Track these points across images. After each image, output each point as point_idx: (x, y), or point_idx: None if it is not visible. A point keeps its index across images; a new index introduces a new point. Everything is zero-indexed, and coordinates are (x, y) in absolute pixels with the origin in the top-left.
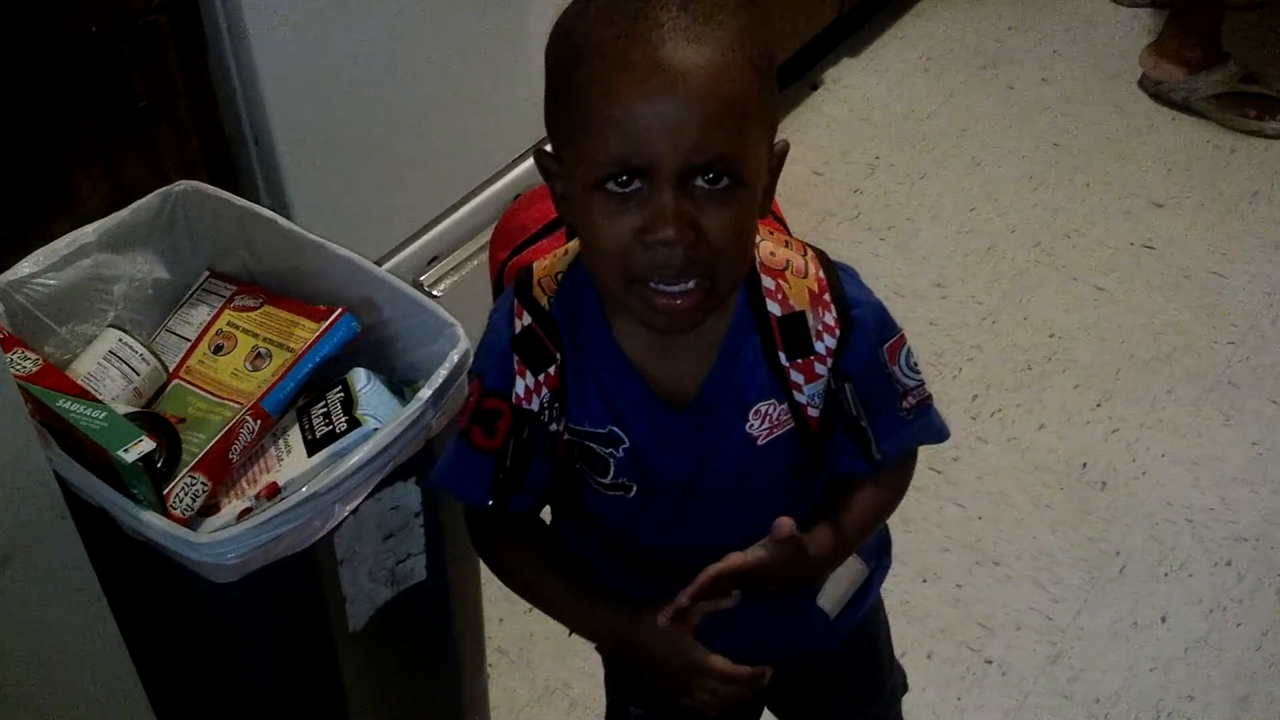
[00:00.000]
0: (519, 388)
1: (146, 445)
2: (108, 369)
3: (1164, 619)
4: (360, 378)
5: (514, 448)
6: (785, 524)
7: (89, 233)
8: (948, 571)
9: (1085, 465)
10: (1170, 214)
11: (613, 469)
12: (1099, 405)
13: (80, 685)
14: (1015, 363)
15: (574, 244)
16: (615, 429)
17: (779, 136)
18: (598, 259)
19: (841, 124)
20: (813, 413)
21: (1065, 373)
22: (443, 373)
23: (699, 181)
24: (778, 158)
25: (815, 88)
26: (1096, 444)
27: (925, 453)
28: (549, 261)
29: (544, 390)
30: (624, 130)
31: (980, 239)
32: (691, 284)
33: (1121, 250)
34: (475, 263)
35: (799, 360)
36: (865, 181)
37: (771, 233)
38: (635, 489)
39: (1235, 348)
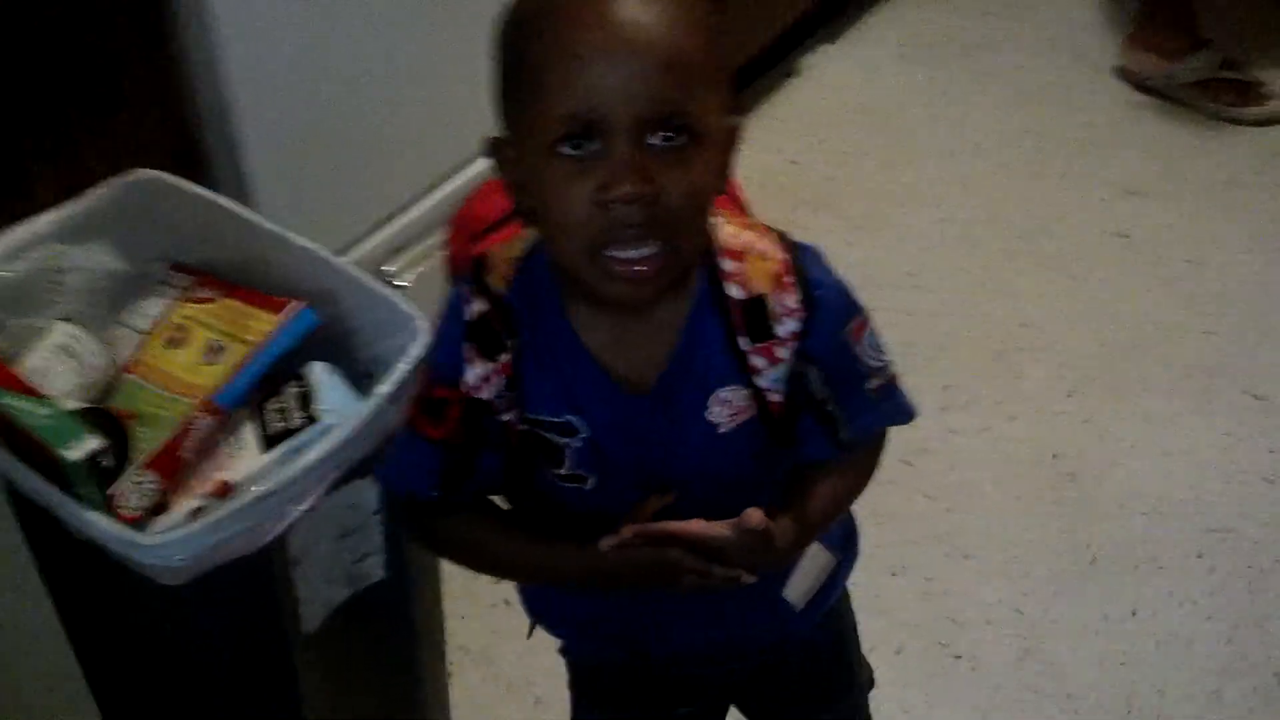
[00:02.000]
0: (469, 376)
1: (92, 443)
2: (56, 363)
3: (1134, 612)
4: (318, 372)
5: (464, 438)
6: (755, 516)
7: (42, 223)
8: (917, 564)
9: (1056, 456)
10: (1146, 202)
11: (569, 459)
12: (1070, 395)
13: (23, 685)
14: (987, 352)
15: (530, 231)
16: (572, 418)
17: (749, 119)
18: (558, 230)
19: (818, 112)
20: (775, 397)
21: (1038, 362)
22: (403, 367)
23: (655, 139)
24: (731, 133)
25: (791, 75)
26: (1068, 434)
27: (895, 444)
28: (504, 247)
29: (497, 378)
30: (577, 85)
31: (955, 228)
32: (652, 248)
33: (1097, 239)
34: (443, 251)
35: (759, 345)
36: (840, 170)
37: (732, 215)
38: (592, 480)
39: (1209, 337)
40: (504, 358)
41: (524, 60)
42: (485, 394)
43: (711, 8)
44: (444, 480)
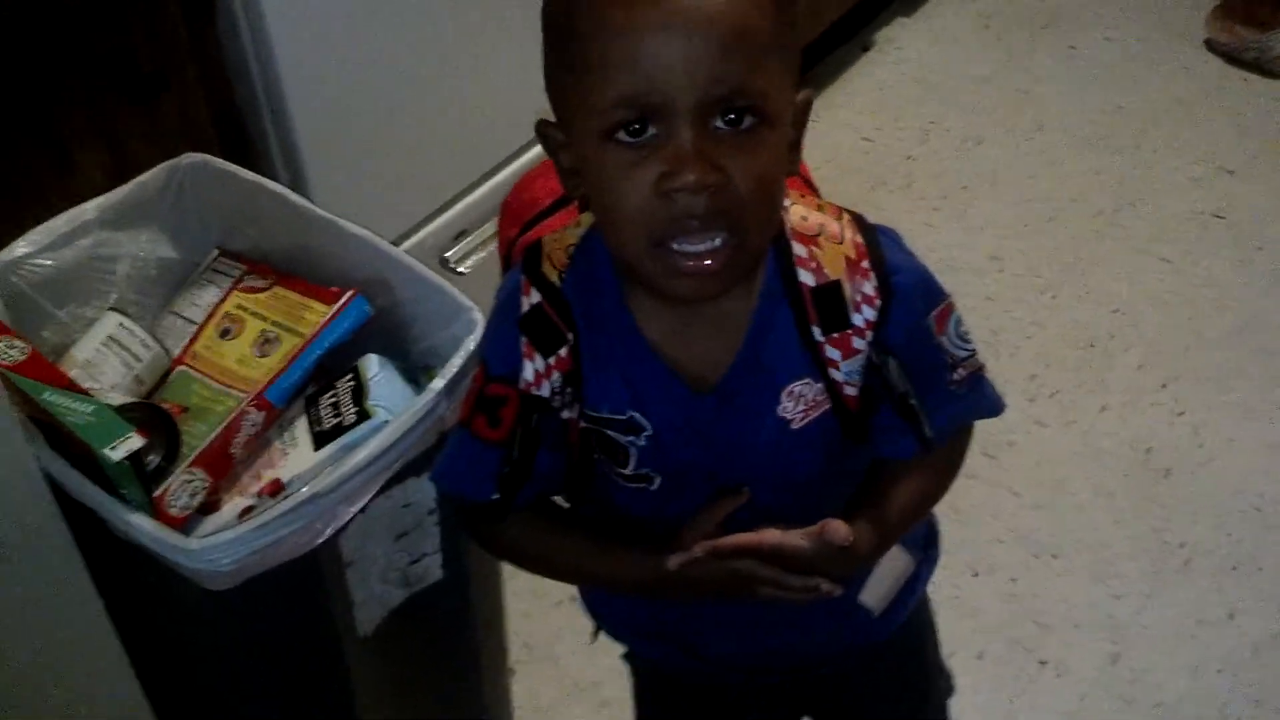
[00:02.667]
0: (527, 372)
1: (135, 442)
2: (107, 355)
3: (1232, 616)
4: (372, 365)
5: (521, 438)
6: (841, 530)
7: (89, 210)
8: (1001, 564)
9: (1149, 451)
10: (1242, 181)
11: (634, 459)
12: (1164, 386)
13: (79, 691)
14: (1076, 340)
15: (587, 215)
16: (636, 415)
17: (821, 96)
18: (615, 223)
19: (894, 87)
20: (850, 391)
21: (1129, 351)
22: (458, 360)
23: (719, 122)
24: (801, 107)
25: (867, 49)
26: (1161, 428)
27: (979, 437)
28: (559, 234)
29: (555, 374)
30: (633, 65)
31: (1040, 208)
32: (718, 241)
33: (1190, 220)
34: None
35: (835, 335)
36: (919, 148)
37: (802, 196)
38: (659, 480)
39: None
40: (562, 352)
41: (572, 35)
42: (543, 390)
43: None
44: (502, 483)
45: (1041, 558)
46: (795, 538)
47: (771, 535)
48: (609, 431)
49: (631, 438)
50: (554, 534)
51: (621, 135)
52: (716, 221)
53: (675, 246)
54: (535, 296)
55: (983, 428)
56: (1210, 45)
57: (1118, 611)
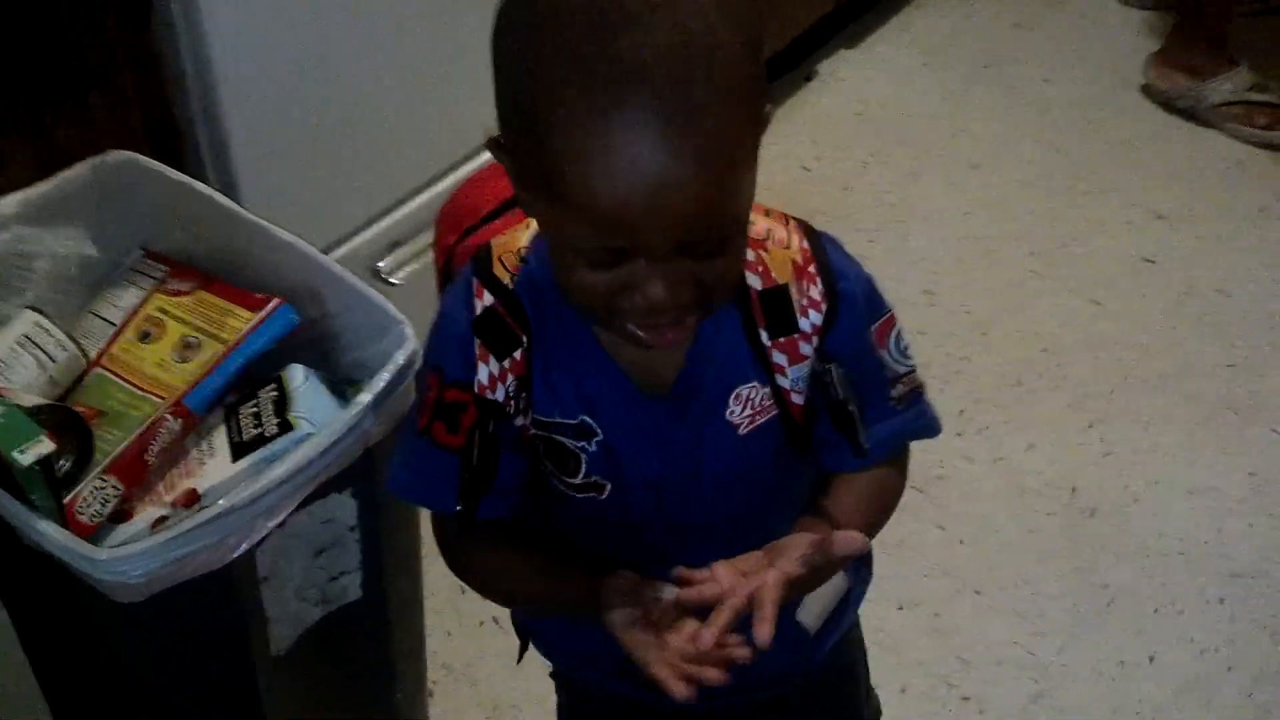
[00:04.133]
0: (482, 375)
1: (45, 446)
2: (20, 355)
3: (1152, 658)
4: (297, 375)
5: (480, 443)
6: (856, 540)
7: (9, 204)
8: (926, 599)
9: (1075, 490)
10: (1173, 227)
11: (584, 466)
12: (1091, 426)
13: None
14: (1005, 377)
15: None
16: (587, 419)
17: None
18: (569, 294)
19: (835, 118)
20: (796, 399)
21: (1057, 390)
22: (386, 375)
23: (692, 247)
24: (764, 127)
25: (809, 79)
26: (1088, 467)
27: (908, 470)
28: (509, 236)
29: (509, 378)
30: (605, 218)
31: (975, 245)
32: (685, 319)
33: (1122, 263)
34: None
35: (781, 339)
36: (857, 179)
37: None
38: (609, 488)
39: (1236, 371)
40: (516, 355)
41: (539, 148)
42: (497, 395)
43: (749, 20)
44: (464, 490)
45: (965, 593)
46: (790, 565)
47: (776, 576)
48: (559, 437)
49: (583, 443)
50: (513, 555)
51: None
52: (682, 313)
53: (634, 326)
54: (488, 299)
55: (913, 460)
56: (1147, 91)
57: (1040, 650)
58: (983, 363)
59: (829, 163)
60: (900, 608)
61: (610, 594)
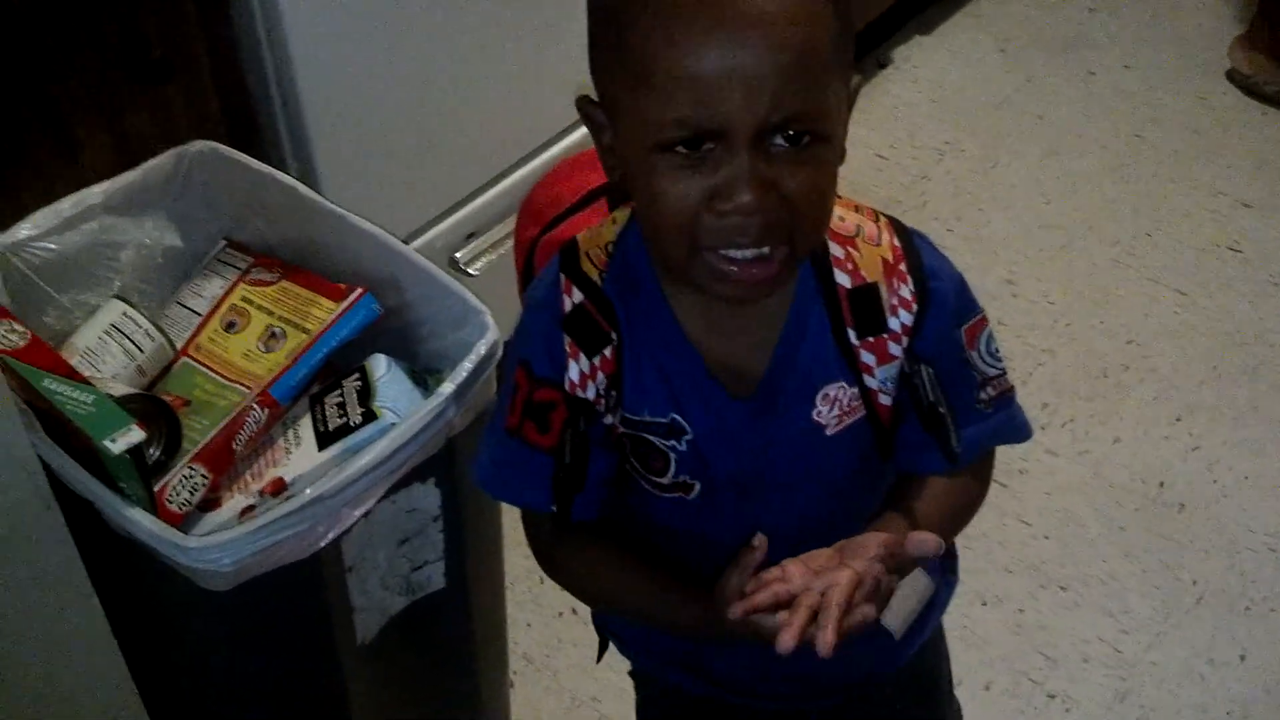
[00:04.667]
0: (572, 373)
1: (135, 435)
2: (108, 344)
3: (1243, 657)
4: (380, 365)
5: (571, 442)
6: (930, 542)
7: (95, 194)
8: (1010, 594)
9: (1162, 484)
10: (1259, 215)
11: (673, 465)
12: (1179, 420)
13: (73, 686)
14: (1090, 370)
15: (621, 212)
16: (677, 418)
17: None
18: (659, 227)
19: (910, 106)
20: (884, 400)
21: (1143, 383)
22: (468, 364)
23: (777, 140)
24: (852, 95)
25: (883, 66)
26: (1175, 462)
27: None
28: (595, 231)
29: (599, 375)
30: (693, 88)
31: (1055, 234)
32: (767, 250)
33: (1206, 252)
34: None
35: (870, 339)
36: (933, 168)
37: (839, 196)
38: (697, 487)
39: None
40: (606, 352)
41: (624, 41)
42: (588, 393)
43: None
44: (557, 489)
45: (1050, 589)
46: (867, 564)
47: (849, 574)
48: (649, 436)
49: (672, 442)
50: (613, 572)
51: (676, 148)
52: (768, 236)
53: (723, 253)
54: (577, 296)
55: (995, 454)
56: (1230, 76)
57: (1127, 647)
58: (1066, 354)
59: (905, 151)
60: (984, 603)
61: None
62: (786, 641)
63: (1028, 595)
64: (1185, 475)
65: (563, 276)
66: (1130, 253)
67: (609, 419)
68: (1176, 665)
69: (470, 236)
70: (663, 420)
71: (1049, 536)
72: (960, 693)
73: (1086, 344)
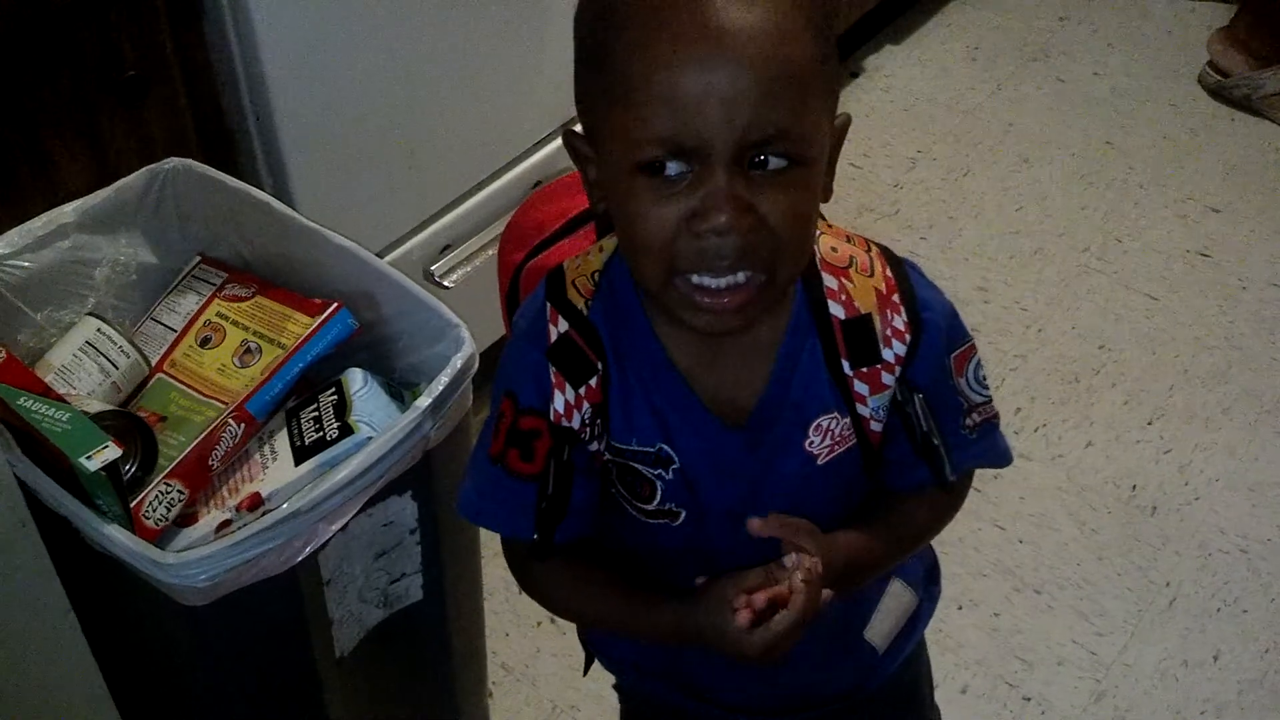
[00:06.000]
0: (557, 403)
1: (111, 452)
2: (83, 361)
3: (1216, 657)
4: (356, 379)
5: (555, 471)
6: (805, 563)
7: (68, 212)
8: (985, 598)
9: (1135, 488)
10: (1228, 220)
11: (660, 493)
12: (1150, 423)
13: (49, 703)
14: (1062, 375)
15: (609, 241)
16: (665, 447)
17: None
18: (637, 251)
19: (882, 114)
20: (875, 427)
21: (1115, 387)
22: (445, 378)
23: (757, 162)
24: (839, 132)
25: (855, 76)
26: (1147, 465)
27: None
28: (582, 260)
29: (585, 405)
30: (672, 105)
31: (1026, 241)
32: (742, 277)
33: (1176, 257)
34: (490, 253)
35: (864, 369)
36: (906, 176)
37: (830, 226)
38: (683, 515)
39: None
40: (592, 382)
41: (608, 56)
42: (573, 422)
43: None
44: (540, 518)
45: (1025, 592)
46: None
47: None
48: (635, 464)
49: (659, 470)
50: (590, 590)
51: (653, 169)
52: (744, 260)
53: (695, 280)
54: (563, 325)
55: None
56: (1201, 80)
57: (1101, 649)
58: (1038, 360)
59: (877, 160)
60: (960, 607)
61: (711, 603)
62: (743, 617)
63: (1003, 599)
64: (1157, 478)
65: (548, 305)
66: (1101, 258)
67: (594, 446)
68: (1151, 666)
69: (445, 249)
70: (650, 449)
71: (1023, 541)
72: (938, 695)
73: (1058, 349)
